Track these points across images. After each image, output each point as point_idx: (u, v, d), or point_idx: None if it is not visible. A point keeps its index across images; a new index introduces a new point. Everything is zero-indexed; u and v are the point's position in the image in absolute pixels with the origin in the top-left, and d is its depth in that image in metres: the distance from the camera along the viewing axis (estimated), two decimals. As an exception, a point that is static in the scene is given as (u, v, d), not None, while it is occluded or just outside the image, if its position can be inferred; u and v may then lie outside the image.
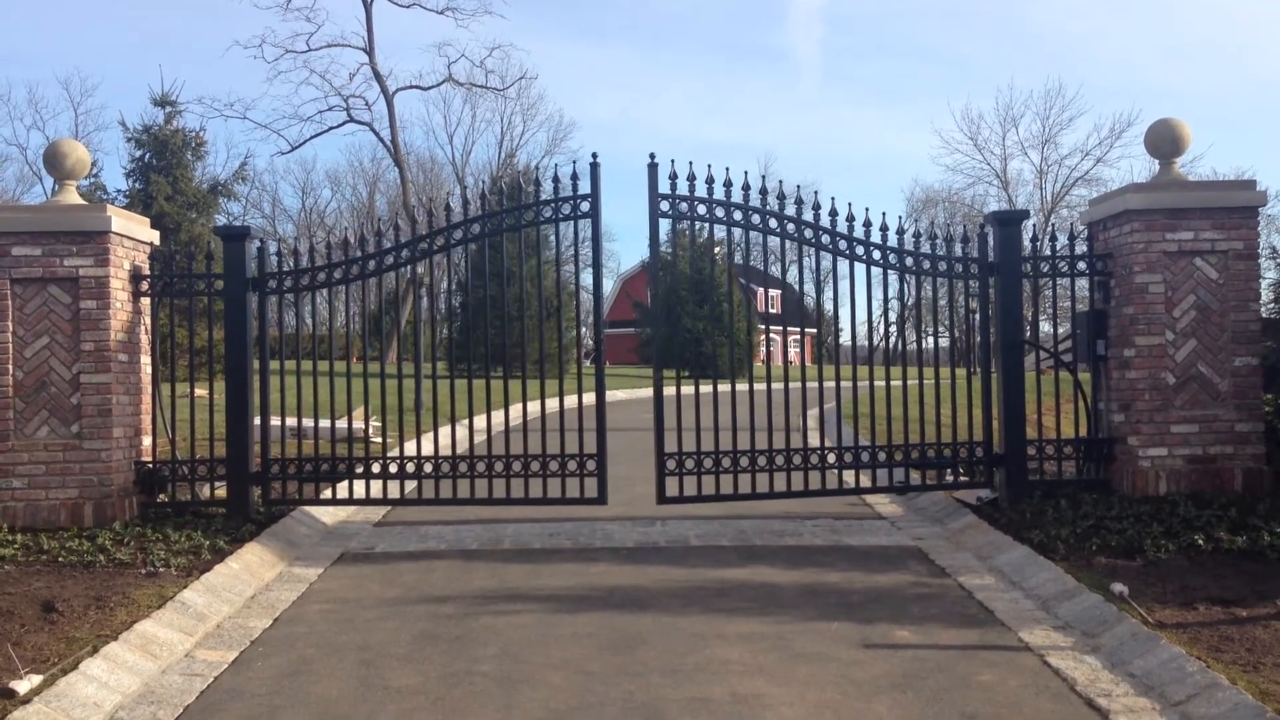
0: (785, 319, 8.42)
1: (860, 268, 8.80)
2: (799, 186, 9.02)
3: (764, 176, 8.86)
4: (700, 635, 5.58)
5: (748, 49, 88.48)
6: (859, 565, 7.18)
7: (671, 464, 8.57)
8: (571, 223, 8.88)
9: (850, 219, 8.71)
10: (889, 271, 8.89)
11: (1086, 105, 75.91)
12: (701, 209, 8.67)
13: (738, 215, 8.71)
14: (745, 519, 8.81)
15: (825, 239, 8.73)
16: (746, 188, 8.71)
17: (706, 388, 9.01)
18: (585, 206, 8.69)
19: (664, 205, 8.63)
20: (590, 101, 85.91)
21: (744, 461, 8.57)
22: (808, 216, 8.71)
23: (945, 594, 6.42)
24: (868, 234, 8.72)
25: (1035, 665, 5.07)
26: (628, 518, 8.99)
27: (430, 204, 9.35)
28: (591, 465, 8.51)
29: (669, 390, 9.21)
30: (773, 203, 8.72)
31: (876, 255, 8.75)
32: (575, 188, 8.78)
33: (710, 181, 8.64)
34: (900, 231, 8.73)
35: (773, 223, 8.73)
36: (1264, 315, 8.20)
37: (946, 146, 62.02)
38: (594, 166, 8.60)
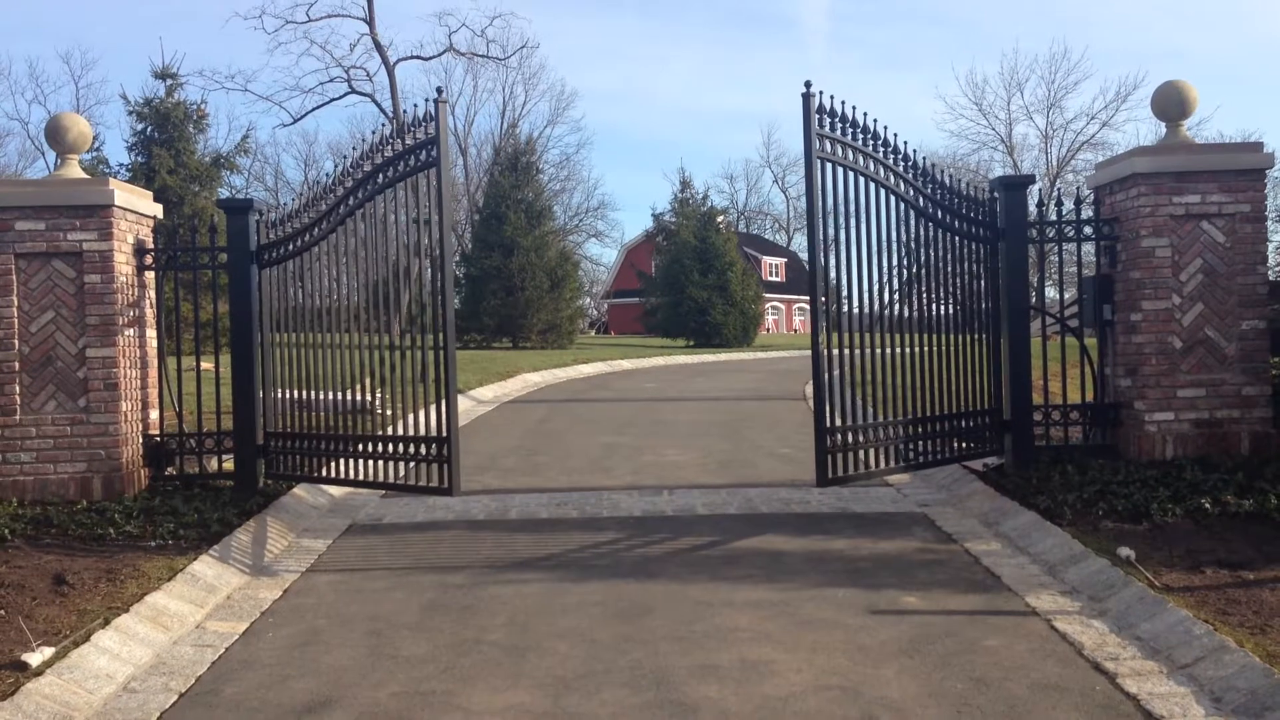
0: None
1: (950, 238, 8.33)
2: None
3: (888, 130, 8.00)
4: (708, 603, 5.60)
5: (755, 17, 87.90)
6: (866, 532, 7.20)
7: (828, 440, 7.69)
8: (423, 178, 7.55)
9: (948, 187, 8.29)
10: (976, 244, 8.48)
11: (1092, 69, 75.95)
12: (857, 159, 7.81)
13: (905, 180, 8.06)
14: (752, 487, 8.82)
15: (940, 214, 8.27)
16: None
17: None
18: (433, 153, 7.42)
19: (819, 145, 7.62)
20: (593, 71, 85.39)
21: (903, 431, 8.01)
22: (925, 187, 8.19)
23: (952, 560, 6.44)
24: (967, 208, 8.35)
25: (1043, 630, 5.08)
26: (635, 487, 9.01)
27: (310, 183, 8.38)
28: (445, 451, 7.48)
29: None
30: (901, 164, 8.04)
31: (972, 229, 8.39)
32: (426, 133, 7.46)
33: (854, 126, 7.79)
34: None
35: (911, 191, 8.09)
36: (1271, 278, 8.16)
37: (951, 112, 62.11)
38: (437, 105, 7.34)
